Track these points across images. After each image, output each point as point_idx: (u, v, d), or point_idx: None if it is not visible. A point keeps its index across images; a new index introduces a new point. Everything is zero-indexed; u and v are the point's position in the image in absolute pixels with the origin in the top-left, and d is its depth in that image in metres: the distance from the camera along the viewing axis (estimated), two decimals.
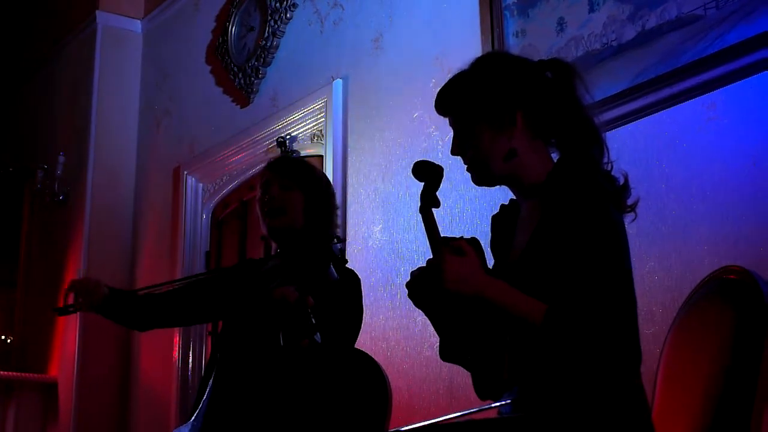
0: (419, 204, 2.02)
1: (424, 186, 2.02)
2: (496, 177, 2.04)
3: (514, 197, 2.11)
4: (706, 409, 1.87)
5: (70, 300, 3.03)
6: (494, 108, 2.00)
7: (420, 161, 2.04)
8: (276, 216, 2.90)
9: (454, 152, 2.07)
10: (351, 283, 2.86)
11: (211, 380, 2.84)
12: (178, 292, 3.09)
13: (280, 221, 2.90)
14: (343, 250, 2.96)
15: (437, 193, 2.02)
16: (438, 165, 2.04)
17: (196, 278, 3.27)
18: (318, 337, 2.49)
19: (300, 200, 2.91)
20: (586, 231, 1.83)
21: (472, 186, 2.12)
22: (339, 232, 3.06)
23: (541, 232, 1.91)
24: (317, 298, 2.58)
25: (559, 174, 1.95)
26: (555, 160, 2.03)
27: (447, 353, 1.99)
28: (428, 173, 2.02)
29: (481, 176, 2.05)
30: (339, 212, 3.05)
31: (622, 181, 1.97)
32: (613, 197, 1.92)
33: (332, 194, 3.02)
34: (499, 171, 2.02)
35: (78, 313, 3.13)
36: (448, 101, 2.08)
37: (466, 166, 2.07)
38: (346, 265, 2.91)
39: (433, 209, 2.02)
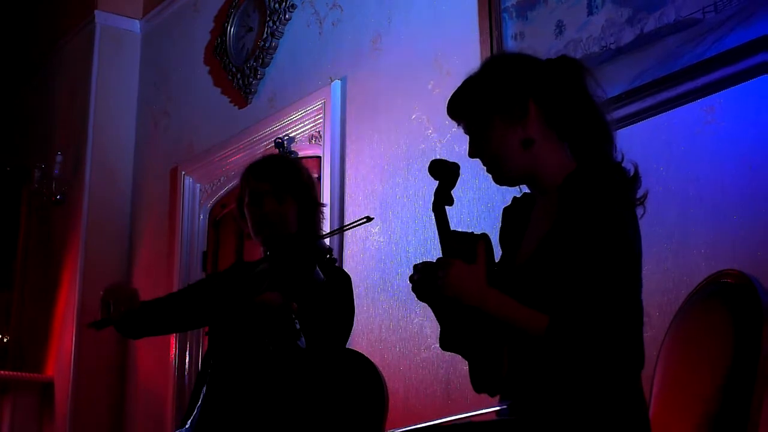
0: (432, 201, 2.03)
1: (438, 184, 2.04)
2: (515, 173, 2.04)
3: (527, 192, 2.12)
4: (702, 413, 1.87)
5: (105, 313, 2.86)
6: (505, 99, 2.01)
7: (436, 160, 2.07)
8: (272, 229, 2.88)
9: (471, 154, 2.08)
10: (340, 282, 2.84)
11: (204, 387, 2.84)
12: (171, 298, 3.08)
13: (275, 232, 2.87)
14: (330, 249, 2.95)
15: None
16: (454, 163, 2.05)
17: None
18: (302, 342, 2.48)
19: (294, 210, 2.90)
20: (600, 237, 1.84)
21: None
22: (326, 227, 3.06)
23: (556, 233, 1.91)
24: (303, 301, 2.57)
25: (579, 176, 1.95)
26: (571, 156, 2.03)
27: (447, 342, 2.00)
28: (444, 172, 2.05)
29: (500, 174, 2.05)
30: (331, 211, 3.04)
31: (632, 172, 1.97)
32: (627, 190, 1.93)
33: (317, 192, 3.02)
34: (516, 165, 2.02)
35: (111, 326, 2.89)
36: (460, 104, 2.08)
37: (486, 167, 2.07)
38: (335, 264, 2.91)
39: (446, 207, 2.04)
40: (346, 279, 2.89)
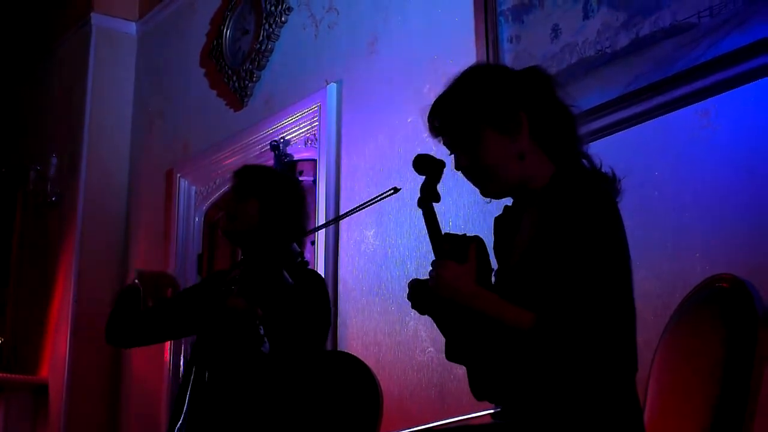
0: (419, 197, 2.01)
1: (424, 180, 2.02)
2: (507, 185, 2.02)
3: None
4: (697, 418, 1.87)
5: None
6: (498, 112, 1.99)
7: (421, 154, 2.04)
8: (228, 222, 3.00)
9: (459, 167, 2.05)
10: (312, 285, 2.89)
11: (188, 393, 2.84)
12: (153, 311, 3.09)
13: (232, 226, 2.99)
14: (302, 252, 2.96)
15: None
16: (439, 159, 2.04)
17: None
18: (266, 347, 2.55)
19: (255, 207, 2.97)
20: (587, 237, 1.84)
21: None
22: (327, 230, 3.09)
23: (542, 235, 1.91)
24: (271, 305, 2.64)
25: (563, 178, 1.95)
26: (552, 164, 2.03)
27: (452, 353, 1.99)
28: (429, 167, 2.03)
29: (492, 186, 2.03)
30: (326, 215, 3.08)
31: (611, 174, 1.99)
32: (611, 192, 1.94)
33: (297, 198, 3.06)
34: (509, 176, 2.00)
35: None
36: (444, 119, 2.05)
37: (473, 180, 2.05)
38: (308, 267, 2.98)
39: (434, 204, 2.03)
40: (318, 281, 2.94)
